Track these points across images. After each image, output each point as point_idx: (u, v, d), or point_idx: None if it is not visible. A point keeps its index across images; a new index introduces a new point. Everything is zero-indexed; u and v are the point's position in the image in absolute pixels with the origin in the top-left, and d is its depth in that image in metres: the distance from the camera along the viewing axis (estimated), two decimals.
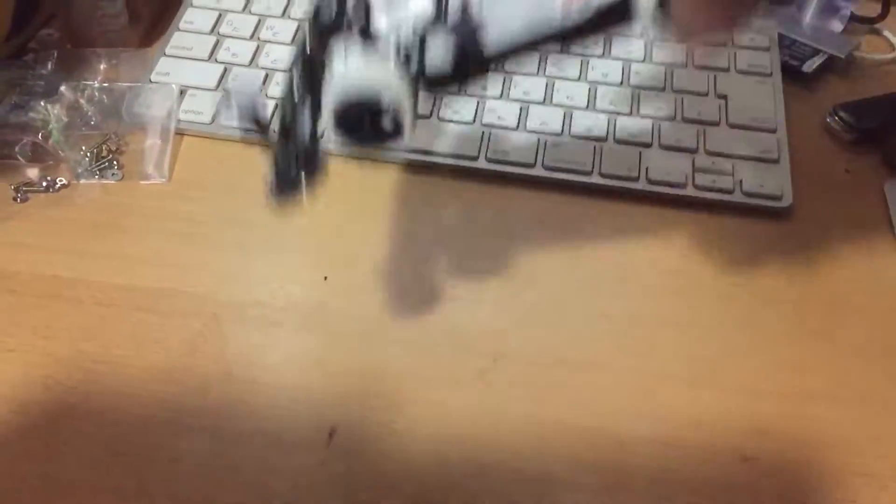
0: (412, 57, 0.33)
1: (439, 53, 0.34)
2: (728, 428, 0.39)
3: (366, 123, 0.33)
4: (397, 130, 0.34)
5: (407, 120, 0.33)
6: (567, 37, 0.34)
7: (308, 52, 0.34)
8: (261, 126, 0.34)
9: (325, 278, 0.44)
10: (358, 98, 0.33)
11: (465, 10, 0.34)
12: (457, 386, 0.40)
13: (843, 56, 0.57)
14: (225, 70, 0.54)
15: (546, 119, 0.51)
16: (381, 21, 0.34)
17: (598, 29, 0.34)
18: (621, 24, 0.34)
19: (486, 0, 0.34)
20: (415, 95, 0.34)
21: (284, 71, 0.54)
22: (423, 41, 0.34)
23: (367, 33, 0.33)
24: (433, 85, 0.34)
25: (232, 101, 0.32)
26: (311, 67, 0.34)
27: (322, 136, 0.34)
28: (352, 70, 0.33)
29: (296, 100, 0.34)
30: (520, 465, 0.37)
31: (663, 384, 0.40)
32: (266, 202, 0.33)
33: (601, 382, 0.40)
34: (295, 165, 0.33)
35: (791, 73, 0.56)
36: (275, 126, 0.34)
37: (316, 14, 0.34)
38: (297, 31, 0.57)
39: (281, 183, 0.34)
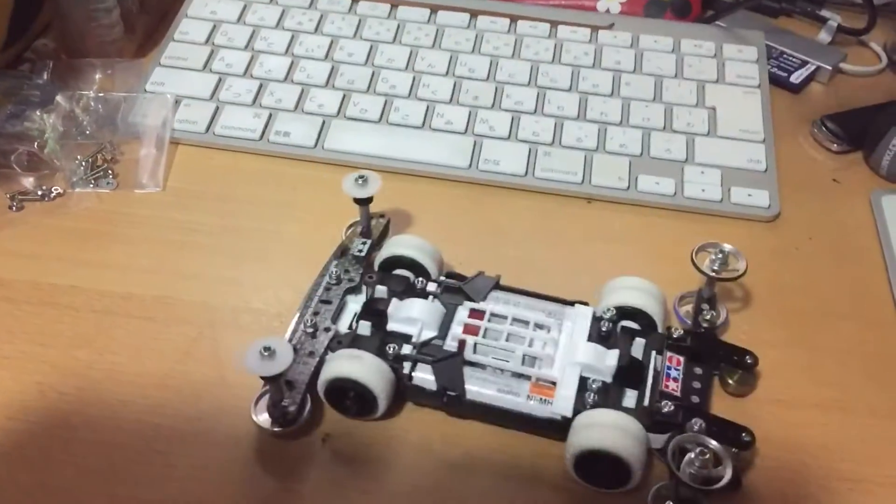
0: (404, 360, 0.38)
1: (425, 375, 0.38)
2: None
3: (345, 399, 0.38)
4: (371, 410, 0.38)
5: (380, 406, 0.38)
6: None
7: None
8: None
9: None
10: (340, 379, 0.37)
11: (462, 343, 0.38)
12: None
13: (830, 67, 0.58)
14: (219, 80, 0.55)
15: (537, 129, 0.52)
16: (396, 309, 0.40)
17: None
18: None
19: (483, 348, 0.39)
20: (392, 391, 0.38)
21: (278, 81, 0.55)
22: (420, 351, 0.38)
23: (374, 315, 0.40)
24: (413, 395, 0.39)
25: None
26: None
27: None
28: (344, 350, 0.38)
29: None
30: (512, 469, 0.38)
31: None
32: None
33: None
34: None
35: (779, 84, 0.57)
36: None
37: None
38: (290, 40, 0.57)
39: (274, 412, 0.38)
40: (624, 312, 0.40)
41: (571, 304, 0.41)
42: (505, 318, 0.40)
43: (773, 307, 0.45)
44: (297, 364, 0.38)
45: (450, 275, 0.43)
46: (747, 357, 0.40)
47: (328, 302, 0.41)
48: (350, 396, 0.38)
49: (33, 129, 0.50)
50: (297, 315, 0.40)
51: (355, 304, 0.41)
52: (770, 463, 0.38)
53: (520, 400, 0.37)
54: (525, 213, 0.49)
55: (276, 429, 0.38)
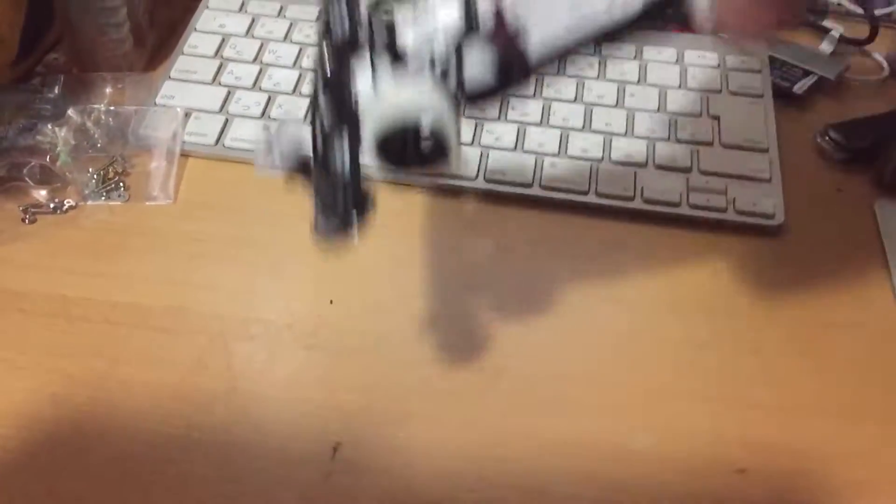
0: (449, 72, 0.31)
1: (478, 65, 0.31)
2: (722, 441, 0.40)
3: (409, 149, 0.31)
4: (443, 153, 0.31)
5: (452, 141, 0.31)
6: (613, 35, 0.31)
7: (330, 76, 0.32)
8: (305, 168, 0.32)
9: (331, 302, 0.45)
10: (398, 123, 0.30)
11: (499, 14, 0.31)
12: (457, 400, 0.41)
13: (832, 77, 0.58)
14: (228, 93, 0.55)
15: (543, 140, 0.53)
16: (407, 36, 0.31)
17: (646, 24, 0.31)
18: (669, 18, 0.32)
19: (521, 1, 0.31)
20: (457, 114, 0.31)
21: (287, 94, 0.55)
22: (459, 54, 0.31)
23: (393, 50, 0.31)
24: (475, 99, 0.32)
25: (273, 144, 0.31)
26: (337, 92, 0.31)
27: (362, 166, 0.32)
28: (384, 91, 0.31)
29: (328, 129, 0.31)
30: (518, 479, 0.38)
31: (659, 399, 0.41)
32: (313, 240, 0.31)
33: (599, 397, 0.41)
34: (342, 201, 0.31)
35: (782, 95, 0.57)
36: (311, 160, 0.32)
37: (328, 31, 0.32)
38: (298, 53, 0.58)
39: (328, 221, 0.32)
40: None
41: None
42: None
43: (779, 316, 0.45)
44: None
45: None
46: None
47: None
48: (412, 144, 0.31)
49: (45, 142, 0.51)
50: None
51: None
52: (778, 468, 0.39)
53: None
54: (531, 222, 0.49)
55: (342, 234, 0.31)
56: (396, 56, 0.31)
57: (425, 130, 0.30)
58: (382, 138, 0.30)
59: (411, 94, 0.30)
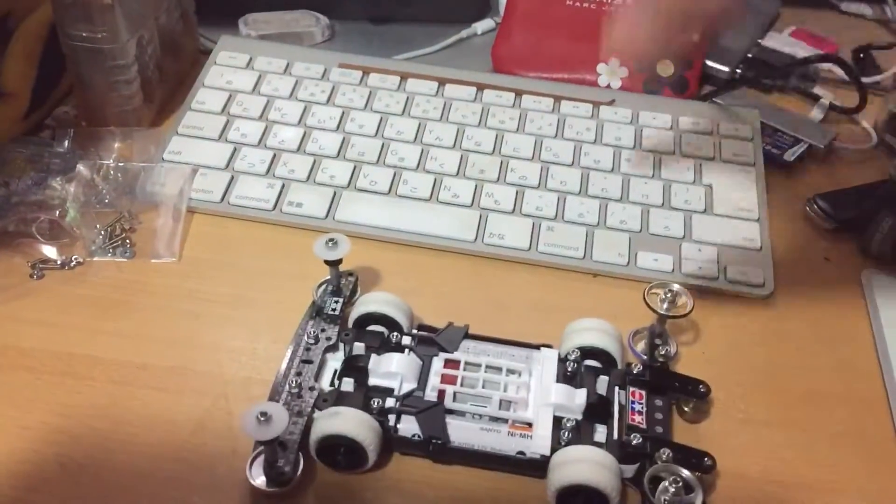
0: (389, 414, 0.41)
1: (409, 426, 0.40)
2: None
3: (337, 454, 0.40)
4: (361, 462, 0.40)
5: (370, 458, 0.40)
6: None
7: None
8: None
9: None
10: (333, 436, 0.39)
11: (441, 394, 0.41)
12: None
13: (822, 146, 0.60)
14: (234, 150, 0.56)
15: (541, 204, 0.54)
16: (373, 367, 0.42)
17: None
18: None
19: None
20: (380, 443, 0.40)
21: (292, 152, 0.57)
22: (398, 413, 0.41)
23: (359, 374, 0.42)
24: (400, 446, 0.41)
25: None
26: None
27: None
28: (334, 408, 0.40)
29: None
30: None
31: None
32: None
33: None
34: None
35: (773, 162, 0.59)
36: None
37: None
38: (303, 111, 0.59)
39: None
40: (586, 352, 0.43)
41: (537, 347, 0.44)
42: (478, 365, 0.43)
43: (768, 386, 0.46)
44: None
45: (421, 327, 0.45)
46: (700, 386, 0.44)
47: (309, 361, 0.43)
48: (341, 452, 0.40)
49: (54, 197, 0.52)
50: (282, 376, 0.42)
51: (335, 361, 0.44)
52: None
53: (501, 438, 0.40)
54: (528, 286, 0.51)
55: (272, 489, 0.39)
56: (358, 377, 0.42)
57: (349, 446, 0.39)
58: (319, 444, 0.39)
59: (349, 417, 0.39)
